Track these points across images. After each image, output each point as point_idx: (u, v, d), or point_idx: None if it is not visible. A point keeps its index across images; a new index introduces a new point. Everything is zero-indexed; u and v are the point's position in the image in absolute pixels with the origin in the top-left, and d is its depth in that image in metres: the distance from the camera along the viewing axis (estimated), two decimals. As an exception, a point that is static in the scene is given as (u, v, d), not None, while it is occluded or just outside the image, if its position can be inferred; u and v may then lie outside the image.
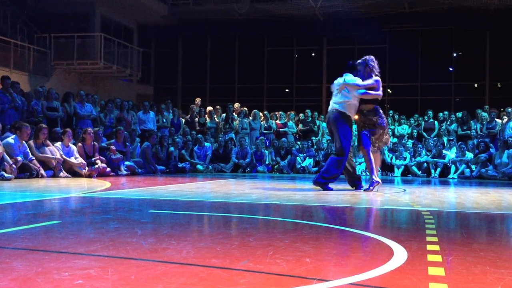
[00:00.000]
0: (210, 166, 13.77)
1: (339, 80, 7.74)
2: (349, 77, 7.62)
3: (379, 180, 7.59)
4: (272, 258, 2.60)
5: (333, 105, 7.67)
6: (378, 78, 7.63)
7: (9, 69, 15.45)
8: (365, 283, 2.17)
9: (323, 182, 7.47)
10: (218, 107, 16.18)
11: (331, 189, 7.39)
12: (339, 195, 6.75)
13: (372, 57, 7.79)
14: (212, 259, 2.56)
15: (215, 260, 2.55)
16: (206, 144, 14.14)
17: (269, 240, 3.18)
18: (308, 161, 14.16)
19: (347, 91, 7.56)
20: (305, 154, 14.29)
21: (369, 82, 7.55)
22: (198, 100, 16.55)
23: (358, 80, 7.57)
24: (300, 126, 16.10)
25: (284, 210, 5.12)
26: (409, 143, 14.35)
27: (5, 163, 8.67)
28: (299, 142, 14.94)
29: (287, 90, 22.61)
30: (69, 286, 2.03)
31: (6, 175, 8.47)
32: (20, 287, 2.01)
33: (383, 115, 7.82)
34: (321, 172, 7.64)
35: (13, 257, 2.54)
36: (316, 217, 4.78)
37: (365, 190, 7.45)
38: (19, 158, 9.03)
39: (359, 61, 7.77)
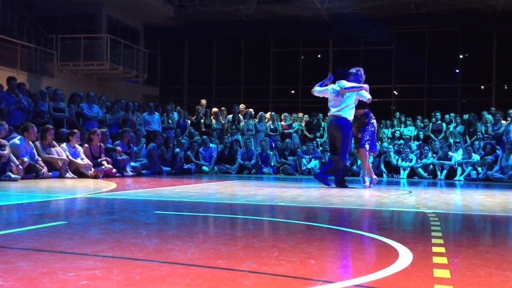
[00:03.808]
0: (215, 168, 13.79)
1: (333, 87, 8.17)
2: (346, 83, 8.08)
3: (376, 178, 8.55)
4: (277, 260, 2.60)
5: (336, 111, 8.08)
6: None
7: (15, 70, 15.53)
8: (370, 285, 2.17)
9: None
10: (223, 108, 16.19)
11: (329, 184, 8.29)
12: (345, 196, 6.74)
13: (363, 69, 8.49)
14: (217, 260, 2.56)
15: (220, 261, 2.55)
16: (211, 145, 14.15)
17: (274, 242, 3.18)
18: (314, 163, 14.15)
19: (347, 96, 8.03)
20: (310, 156, 14.28)
21: (366, 86, 8.17)
22: (203, 101, 16.56)
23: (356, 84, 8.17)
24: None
25: (289, 211, 5.12)
26: (414, 145, 14.32)
27: (11, 163, 8.71)
28: (304, 147, 14.88)
29: (293, 91, 22.62)
30: (74, 287, 2.04)
31: (12, 175, 8.50)
32: (25, 287, 2.02)
33: (373, 117, 8.48)
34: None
35: (19, 257, 2.55)
36: (321, 218, 4.78)
37: (364, 187, 8.19)
38: (26, 159, 9.07)
39: (352, 70, 8.29)
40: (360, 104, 8.22)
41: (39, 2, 18.75)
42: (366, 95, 8.05)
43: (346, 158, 8.27)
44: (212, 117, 15.73)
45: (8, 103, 10.78)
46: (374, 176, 8.34)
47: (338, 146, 8.12)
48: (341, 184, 8.20)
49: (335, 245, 3.22)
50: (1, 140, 8.70)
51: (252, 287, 2.09)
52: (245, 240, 3.22)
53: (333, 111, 8.12)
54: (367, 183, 8.31)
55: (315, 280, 2.22)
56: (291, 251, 2.87)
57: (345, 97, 8.02)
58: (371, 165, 8.89)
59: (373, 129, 8.38)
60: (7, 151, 8.62)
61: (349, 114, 8.04)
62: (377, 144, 8.60)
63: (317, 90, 8.36)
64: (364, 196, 7.05)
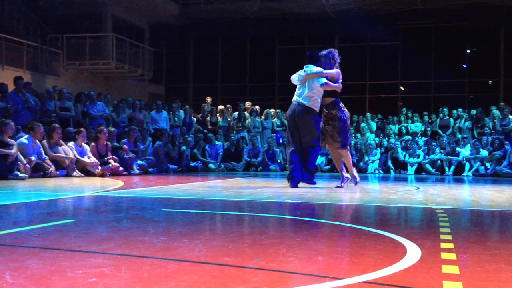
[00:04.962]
0: (222, 165, 13.79)
1: (300, 73, 7.50)
2: (312, 68, 7.39)
3: (349, 176, 7.58)
4: (285, 256, 2.59)
5: (298, 98, 7.38)
6: (339, 70, 7.42)
7: (22, 70, 15.59)
8: (378, 281, 2.16)
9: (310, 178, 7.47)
10: (228, 106, 16.20)
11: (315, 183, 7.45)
12: (352, 193, 6.72)
13: (337, 50, 7.63)
14: (224, 258, 2.56)
15: (227, 258, 2.55)
16: (217, 142, 14.16)
17: (281, 238, 3.18)
18: (321, 159, 14.12)
19: (311, 83, 7.30)
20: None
21: (332, 71, 7.34)
22: (208, 99, 16.56)
23: (321, 69, 7.36)
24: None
25: (296, 208, 5.11)
26: (421, 141, 14.27)
27: (19, 163, 8.75)
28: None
29: (298, 88, 22.56)
30: (82, 284, 2.04)
31: (20, 174, 8.54)
32: (34, 285, 2.02)
33: (343, 108, 7.50)
34: (308, 169, 7.45)
35: (27, 255, 2.56)
36: (328, 215, 4.77)
37: (337, 187, 7.42)
38: (33, 158, 9.11)
39: (324, 52, 7.49)
40: (329, 92, 7.37)
41: (45, 2, 18.81)
42: (321, 80, 7.23)
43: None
44: (218, 114, 15.74)
45: (15, 103, 10.83)
46: (346, 175, 7.50)
47: (303, 137, 7.37)
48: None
49: (342, 241, 3.21)
50: (8, 139, 8.74)
51: (259, 284, 2.08)
52: (252, 237, 3.22)
53: (297, 98, 7.38)
54: (344, 184, 7.53)
55: (323, 277, 2.21)
56: (299, 248, 2.86)
57: (311, 85, 7.28)
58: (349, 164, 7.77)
59: (341, 123, 7.41)
60: (14, 150, 8.66)
61: (313, 103, 7.28)
62: (350, 138, 7.66)
63: (292, 78, 7.68)
64: (371, 193, 7.03)
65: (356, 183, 7.68)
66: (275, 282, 2.14)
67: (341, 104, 7.49)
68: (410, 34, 21.20)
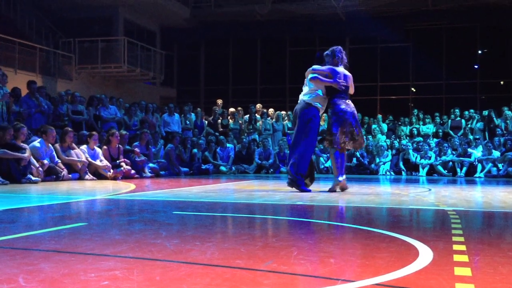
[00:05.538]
0: (233, 168, 13.81)
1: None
2: (316, 67, 7.34)
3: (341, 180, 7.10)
4: (296, 259, 2.59)
5: (300, 97, 7.35)
6: (335, 68, 7.17)
7: (34, 74, 15.74)
8: (390, 283, 2.15)
9: (299, 183, 7.07)
10: (239, 108, 16.22)
11: (309, 190, 7.05)
12: (363, 195, 6.70)
13: (340, 47, 7.45)
14: (236, 260, 2.56)
15: (239, 261, 2.55)
16: (228, 145, 14.18)
17: (292, 241, 3.18)
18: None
19: (308, 81, 7.29)
20: (328, 155, 14.21)
21: (322, 67, 7.23)
22: (219, 101, 16.61)
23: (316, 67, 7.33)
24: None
25: (308, 210, 5.10)
26: (433, 142, 14.19)
27: (32, 166, 8.82)
28: (321, 145, 14.84)
29: (309, 90, 22.50)
30: (95, 287, 2.06)
31: (33, 178, 8.61)
32: (48, 288, 2.04)
33: (341, 105, 7.07)
34: (295, 172, 7.07)
35: (40, 258, 2.58)
36: (339, 217, 4.76)
37: (330, 190, 7.08)
38: (46, 162, 9.18)
39: (327, 52, 7.37)
40: (330, 90, 7.17)
41: (57, 7, 18.98)
42: (311, 75, 7.18)
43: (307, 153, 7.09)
44: (229, 117, 15.77)
45: (28, 107, 10.93)
46: (340, 178, 7.06)
47: (297, 137, 7.18)
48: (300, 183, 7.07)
49: (354, 243, 3.21)
50: (21, 143, 8.82)
51: (271, 287, 2.09)
52: (264, 240, 3.22)
53: (300, 97, 7.35)
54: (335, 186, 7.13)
55: (335, 279, 2.21)
56: (310, 250, 2.86)
57: (308, 82, 7.25)
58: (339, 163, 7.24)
59: (334, 117, 7.08)
60: (27, 154, 8.73)
61: (313, 99, 7.12)
62: (337, 137, 6.99)
63: None
64: (382, 195, 7.00)
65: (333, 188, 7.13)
66: (287, 285, 2.14)
67: (339, 101, 7.15)
68: (421, 35, 21.12)
